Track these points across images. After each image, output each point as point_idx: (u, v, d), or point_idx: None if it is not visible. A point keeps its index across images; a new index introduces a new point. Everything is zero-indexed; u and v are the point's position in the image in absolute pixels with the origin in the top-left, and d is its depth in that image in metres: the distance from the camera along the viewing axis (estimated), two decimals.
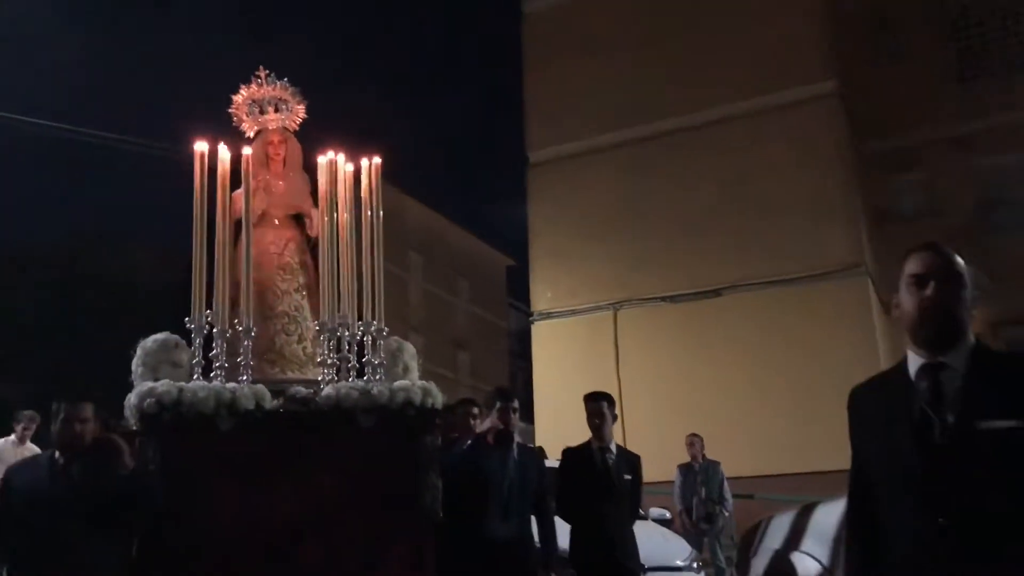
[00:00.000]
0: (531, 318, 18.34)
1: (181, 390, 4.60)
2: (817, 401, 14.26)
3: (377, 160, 5.20)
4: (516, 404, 5.35)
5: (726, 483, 11.17)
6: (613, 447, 5.80)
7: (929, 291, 2.37)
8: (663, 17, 16.85)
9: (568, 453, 5.88)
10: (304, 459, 4.76)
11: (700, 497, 10.95)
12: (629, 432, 14.66)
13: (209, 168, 4.97)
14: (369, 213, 5.17)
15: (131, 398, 4.64)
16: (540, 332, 17.99)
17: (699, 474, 11.06)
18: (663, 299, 16.74)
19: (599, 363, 16.27)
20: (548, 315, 17.86)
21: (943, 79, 17.40)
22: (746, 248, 15.72)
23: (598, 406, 5.72)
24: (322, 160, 5.15)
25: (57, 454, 4.33)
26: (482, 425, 5.49)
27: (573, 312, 17.45)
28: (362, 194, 5.20)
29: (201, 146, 4.90)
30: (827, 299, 15.03)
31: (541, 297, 18.10)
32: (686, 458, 11.21)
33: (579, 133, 17.51)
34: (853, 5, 17.80)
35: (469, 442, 5.39)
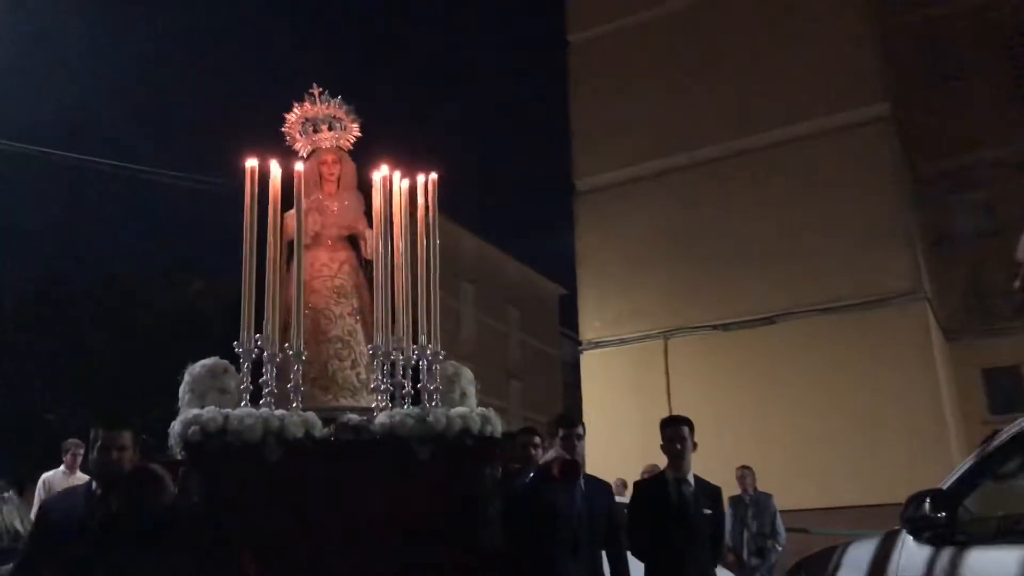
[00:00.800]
0: (580, 347, 17.73)
1: (227, 417, 4.19)
2: (877, 431, 13.56)
3: (433, 176, 4.79)
4: (582, 431, 4.77)
5: (779, 516, 10.48)
6: (691, 478, 5.05)
7: None
8: (708, 42, 16.29)
9: (641, 486, 5.26)
10: (356, 491, 4.30)
11: (751, 531, 10.31)
12: None
13: (261, 186, 4.59)
14: (424, 231, 4.74)
15: (175, 426, 4.24)
16: (589, 362, 17.30)
17: (750, 507, 10.39)
18: (714, 327, 16.04)
19: (650, 393, 15.60)
20: (597, 344, 17.18)
21: (999, 98, 16.61)
22: (799, 274, 15.00)
23: (678, 430, 4.99)
24: (377, 177, 4.74)
25: (95, 484, 3.93)
26: (545, 455, 4.93)
27: (622, 341, 16.75)
28: (418, 212, 4.77)
29: (252, 162, 4.52)
30: (884, 325, 14.22)
31: (589, 326, 17.43)
32: (737, 491, 10.59)
33: (626, 160, 16.90)
34: (904, 26, 17.14)
35: (532, 474, 4.77)
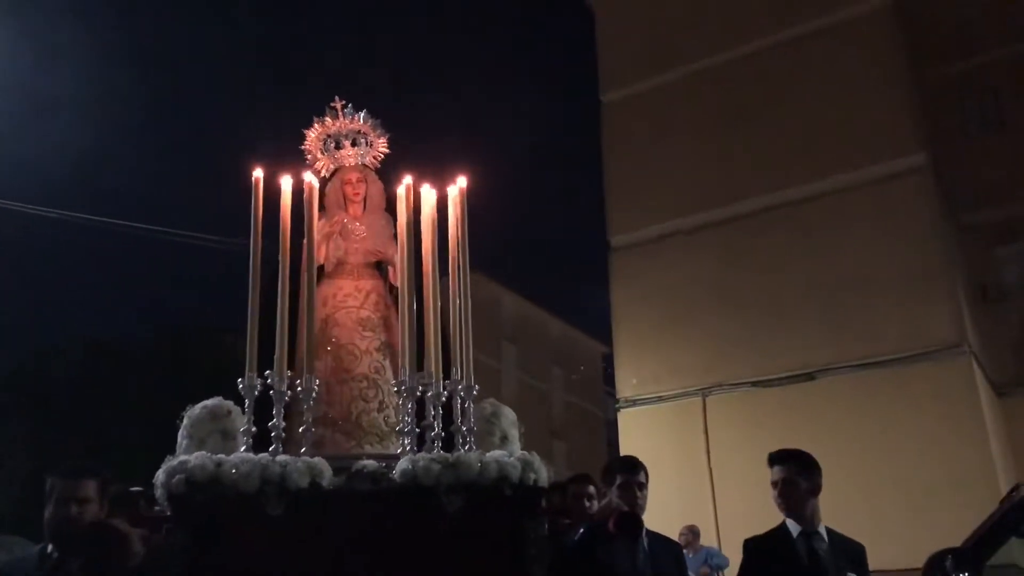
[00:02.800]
0: (617, 405, 16.38)
1: (219, 464, 3.16)
2: (924, 490, 12.04)
3: (463, 182, 3.80)
4: (644, 477, 3.61)
5: None
6: (823, 531, 3.63)
7: None
8: (741, 97, 15.11)
9: (755, 544, 3.66)
10: (373, 551, 3.23)
11: None
12: (722, 525, 12.64)
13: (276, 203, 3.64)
14: (456, 248, 3.73)
15: (159, 475, 3.20)
16: (627, 420, 15.84)
17: None
18: (754, 384, 14.68)
19: (689, 451, 14.19)
20: (634, 402, 15.77)
21: None
22: (839, 329, 13.63)
23: (787, 469, 3.59)
24: (400, 189, 3.75)
25: (50, 547, 2.92)
26: (600, 507, 3.73)
27: (660, 399, 15.36)
28: (449, 228, 3.77)
29: (258, 173, 3.58)
30: (928, 381, 12.72)
31: (626, 384, 16.05)
32: None
33: (660, 216, 15.65)
34: (942, 76, 15.83)
35: (583, 529, 3.51)
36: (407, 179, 3.65)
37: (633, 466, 3.63)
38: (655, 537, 3.58)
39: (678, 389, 15.08)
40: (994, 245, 15.10)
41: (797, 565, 3.49)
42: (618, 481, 3.54)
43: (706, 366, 14.86)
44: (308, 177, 3.63)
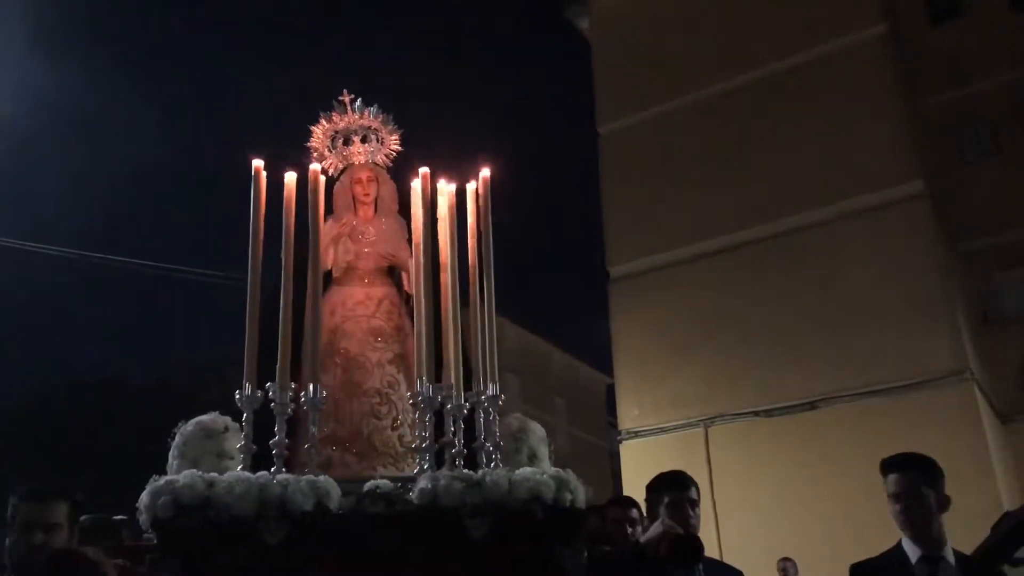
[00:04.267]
0: (619, 437, 15.74)
1: (211, 484, 2.66)
2: None
3: (485, 173, 3.29)
4: (696, 494, 3.01)
5: None
6: (950, 555, 2.93)
7: None
8: (737, 128, 14.69)
9: (863, 571, 3.05)
10: None
11: None
12: (727, 555, 12.02)
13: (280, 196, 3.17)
14: (476, 245, 3.23)
15: (143, 497, 2.68)
16: (628, 452, 15.14)
17: None
18: (756, 414, 14.11)
19: None
20: (636, 434, 15.14)
21: None
22: (840, 358, 13.09)
23: (910, 479, 2.94)
24: (416, 185, 3.27)
25: None
26: (648, 531, 2.95)
27: (662, 430, 14.70)
28: (469, 224, 3.29)
29: (258, 162, 3.10)
30: (930, 408, 12.14)
31: (628, 415, 15.40)
32: None
33: (659, 247, 15.15)
34: (939, 104, 15.45)
35: (631, 556, 2.90)
36: (423, 170, 3.17)
37: (681, 482, 3.02)
38: (710, 564, 2.96)
39: (680, 420, 14.48)
40: (993, 271, 14.65)
41: None
42: (666, 500, 2.94)
43: (708, 397, 14.29)
44: (314, 166, 3.15)
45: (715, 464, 13.86)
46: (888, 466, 3.03)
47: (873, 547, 11.23)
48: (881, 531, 11.63)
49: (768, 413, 13.91)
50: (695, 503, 2.95)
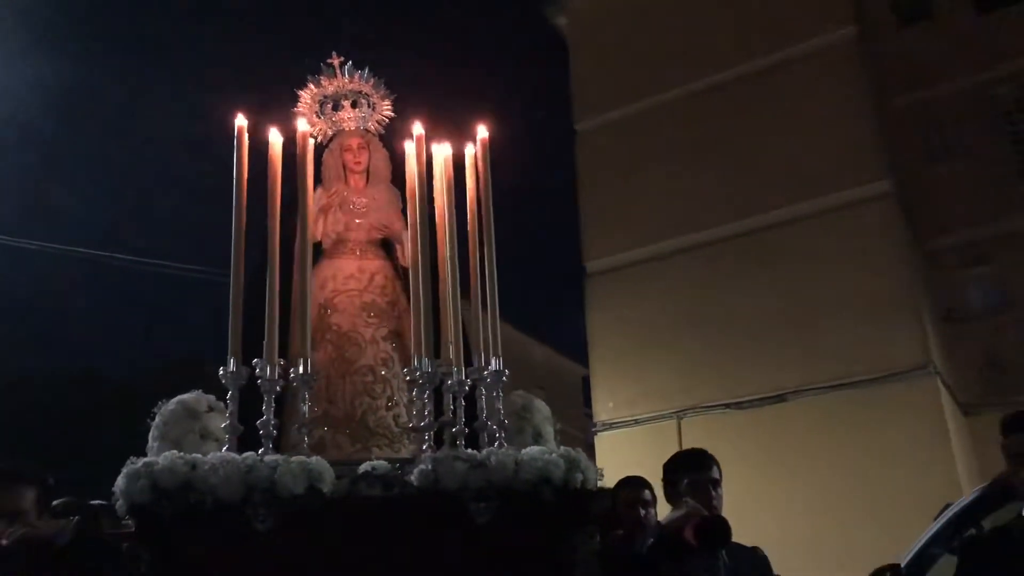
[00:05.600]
0: (593, 429, 15.54)
1: (193, 466, 2.34)
2: (892, 509, 11.35)
3: (483, 134, 2.95)
4: (718, 473, 2.77)
5: None
6: None
7: None
8: (711, 127, 14.41)
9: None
10: (386, 573, 2.44)
11: None
12: None
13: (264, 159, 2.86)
14: (476, 212, 2.94)
15: (120, 481, 2.36)
16: (603, 444, 14.92)
17: None
18: (727, 406, 13.93)
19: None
20: (610, 426, 14.94)
21: (1003, 172, 14.54)
22: (808, 351, 12.94)
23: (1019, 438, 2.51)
24: (410, 148, 2.97)
25: None
26: (672, 513, 2.63)
27: (636, 422, 14.48)
28: (468, 191, 2.99)
29: (241, 121, 2.78)
30: (895, 401, 12.01)
31: (603, 407, 15.23)
32: None
33: (635, 243, 14.84)
34: (907, 105, 15.18)
35: (651, 541, 2.61)
36: (417, 128, 2.86)
37: (703, 461, 2.76)
38: (736, 549, 2.66)
39: (654, 412, 14.30)
40: (958, 269, 14.61)
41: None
42: (686, 482, 2.66)
43: (681, 389, 14.11)
44: (302, 126, 2.84)
45: None
46: (1009, 426, 2.58)
47: (837, 533, 11.00)
48: (852, 518, 11.48)
49: (739, 405, 13.75)
50: (717, 483, 2.67)
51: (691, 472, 2.66)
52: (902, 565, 4.13)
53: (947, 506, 4.55)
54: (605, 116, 15.94)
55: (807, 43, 14.11)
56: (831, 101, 13.65)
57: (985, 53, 14.68)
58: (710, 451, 2.89)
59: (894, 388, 12.25)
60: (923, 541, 4.38)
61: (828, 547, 11.48)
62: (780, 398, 13.41)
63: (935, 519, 4.53)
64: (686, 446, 13.18)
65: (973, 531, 3.27)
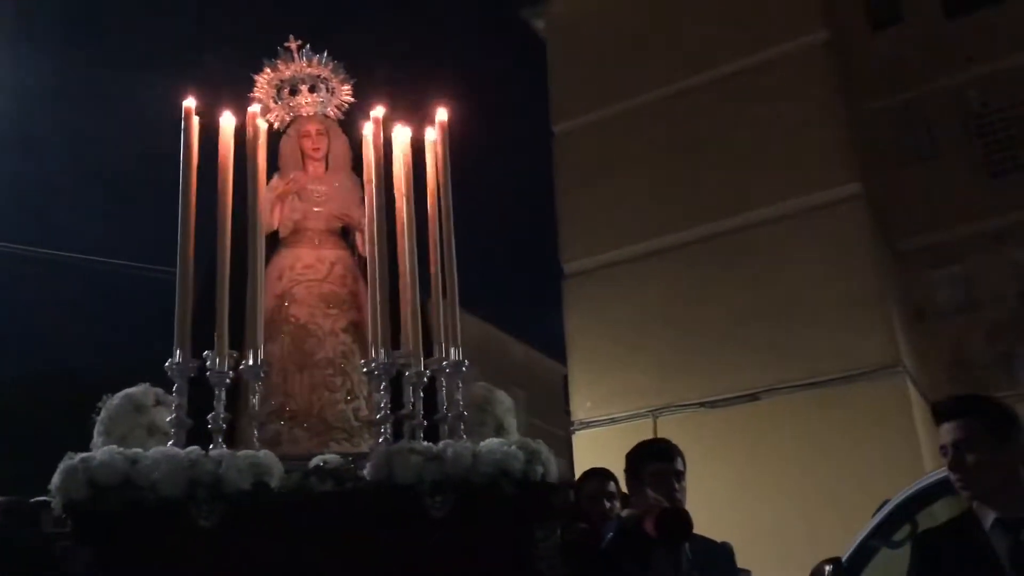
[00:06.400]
0: (572, 428, 15.46)
1: (133, 461, 2.19)
2: (860, 506, 11.32)
3: (442, 115, 2.81)
4: (681, 465, 2.60)
5: None
6: None
7: None
8: (684, 130, 14.41)
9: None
10: (338, 572, 2.29)
11: None
12: None
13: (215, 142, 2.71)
14: (436, 196, 2.80)
15: (55, 478, 2.19)
16: (581, 443, 14.86)
17: None
18: (701, 404, 13.89)
19: None
20: (588, 424, 14.90)
21: (973, 174, 14.59)
22: (781, 351, 12.93)
23: (969, 426, 2.19)
24: (367, 131, 2.82)
25: None
26: (632, 506, 2.53)
27: (613, 420, 14.42)
28: (428, 172, 2.84)
29: (190, 103, 2.63)
30: (864, 400, 12.02)
31: (581, 406, 15.20)
32: None
33: (610, 244, 14.82)
34: (878, 108, 15.19)
35: (610, 535, 2.47)
36: (376, 111, 2.72)
37: (665, 452, 2.61)
38: (695, 539, 2.48)
39: (630, 411, 14.26)
40: (927, 269, 14.66)
41: (995, 568, 2.08)
42: (649, 472, 2.51)
43: (656, 388, 14.08)
44: (252, 108, 2.69)
45: None
46: (940, 413, 2.37)
47: (804, 532, 10.91)
48: (820, 514, 11.38)
49: (713, 404, 13.73)
50: (681, 475, 2.53)
51: (655, 462, 2.52)
52: (843, 559, 4.17)
53: (885, 502, 4.64)
54: (582, 119, 15.89)
55: (779, 47, 14.13)
56: (803, 104, 13.67)
57: (955, 56, 14.74)
58: (684, 449, 2.73)
59: (864, 387, 12.25)
60: (863, 535, 4.46)
61: (796, 542, 11.39)
62: (753, 397, 13.38)
63: (874, 515, 4.62)
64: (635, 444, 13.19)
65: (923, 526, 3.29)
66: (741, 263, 13.59)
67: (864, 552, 4.37)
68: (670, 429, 14.25)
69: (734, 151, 13.98)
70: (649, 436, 13.89)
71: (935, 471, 5.31)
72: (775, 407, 12.97)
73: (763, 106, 13.89)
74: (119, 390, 2.79)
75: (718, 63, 14.47)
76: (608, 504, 3.00)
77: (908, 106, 15.12)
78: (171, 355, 2.50)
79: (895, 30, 15.49)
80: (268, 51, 3.20)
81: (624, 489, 2.83)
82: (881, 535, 4.37)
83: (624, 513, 2.48)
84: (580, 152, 15.81)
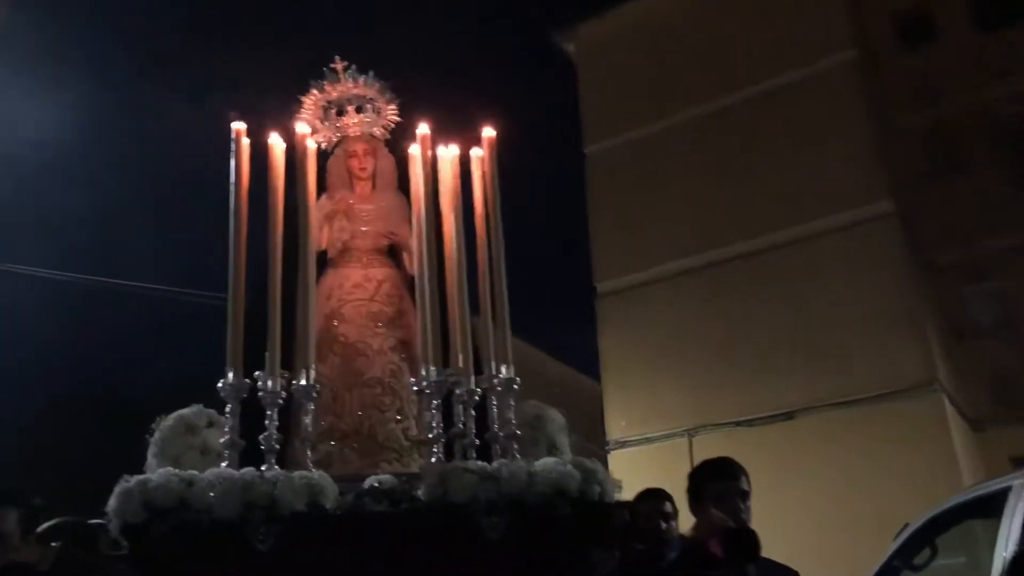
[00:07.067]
0: (607, 448, 15.29)
1: (190, 483, 2.16)
2: (900, 524, 11.03)
3: (490, 133, 2.76)
4: (746, 484, 2.45)
5: None
6: None
7: None
8: (719, 148, 14.26)
9: None
10: None
11: None
12: None
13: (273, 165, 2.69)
14: (484, 214, 2.75)
15: (112, 501, 2.17)
16: (616, 462, 14.75)
17: None
18: (737, 424, 13.67)
19: (676, 491, 12.87)
20: (623, 444, 14.73)
21: (1008, 187, 14.15)
22: (816, 369, 12.70)
23: None
24: (415, 150, 2.79)
25: None
26: (698, 524, 2.34)
27: (648, 440, 14.27)
28: (475, 193, 2.80)
29: (239, 125, 2.62)
30: (901, 418, 11.70)
31: (616, 425, 15.02)
32: None
33: (644, 263, 14.70)
34: (908, 123, 14.89)
35: (674, 555, 2.41)
36: (422, 128, 2.69)
37: (729, 470, 2.48)
38: (763, 562, 2.34)
39: (665, 430, 14.09)
40: (964, 284, 14.33)
41: None
42: (713, 492, 2.38)
43: (692, 408, 13.89)
44: (301, 128, 2.67)
45: None
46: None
47: (847, 550, 10.57)
48: (860, 532, 11.04)
49: (749, 423, 13.53)
50: (747, 495, 2.41)
51: (719, 481, 2.41)
52: None
53: (906, 525, 4.73)
54: (612, 140, 15.88)
55: (811, 66, 14.01)
56: (835, 122, 13.52)
57: (988, 71, 14.51)
58: None
59: (900, 406, 11.94)
60: (887, 557, 4.52)
61: (837, 563, 11.13)
62: (788, 415, 13.13)
63: (894, 538, 4.70)
64: (697, 463, 13.00)
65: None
66: (774, 282, 13.42)
67: (887, 572, 4.43)
68: (706, 449, 13.99)
69: (767, 170, 13.85)
70: (684, 456, 13.83)
71: (955, 495, 5.21)
72: (811, 426, 12.72)
73: (795, 125, 13.77)
74: (172, 412, 2.77)
75: (748, 83, 14.38)
76: (664, 524, 2.90)
77: (941, 120, 14.89)
78: (222, 376, 2.48)
79: (927, 46, 15.29)
80: (314, 73, 3.18)
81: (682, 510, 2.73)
82: (902, 558, 4.41)
83: (688, 533, 2.38)
84: (612, 173, 15.77)
